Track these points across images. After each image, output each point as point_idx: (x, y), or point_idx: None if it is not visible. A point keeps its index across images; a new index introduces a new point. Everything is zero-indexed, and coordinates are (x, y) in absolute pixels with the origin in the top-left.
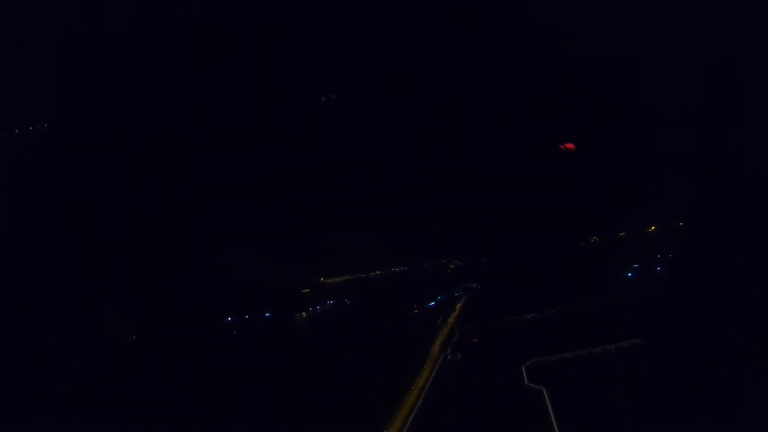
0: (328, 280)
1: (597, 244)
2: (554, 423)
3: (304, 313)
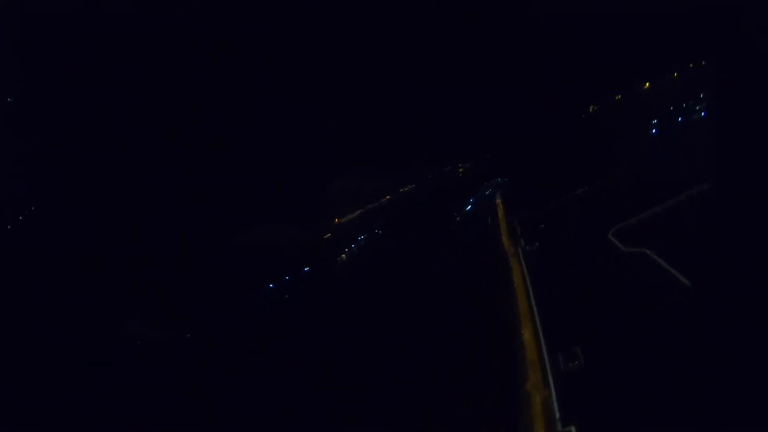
0: (343, 219)
1: (598, 112)
2: (676, 275)
3: (343, 255)
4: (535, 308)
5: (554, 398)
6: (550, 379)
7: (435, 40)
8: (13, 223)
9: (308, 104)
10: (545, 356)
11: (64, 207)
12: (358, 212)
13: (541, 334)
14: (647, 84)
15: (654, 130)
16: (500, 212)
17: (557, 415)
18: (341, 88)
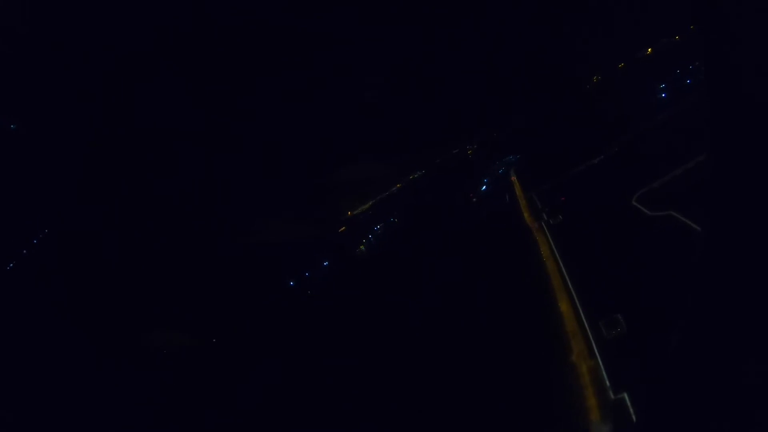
0: (356, 211)
1: (601, 81)
2: (702, 237)
3: (362, 246)
4: (568, 280)
5: (602, 367)
6: (595, 348)
7: (430, 20)
8: (28, 248)
9: (305, 100)
10: (586, 326)
11: (79, 222)
12: (371, 203)
13: (578, 304)
14: (649, 50)
15: (663, 94)
16: (517, 189)
17: (607, 383)
18: (341, 80)
